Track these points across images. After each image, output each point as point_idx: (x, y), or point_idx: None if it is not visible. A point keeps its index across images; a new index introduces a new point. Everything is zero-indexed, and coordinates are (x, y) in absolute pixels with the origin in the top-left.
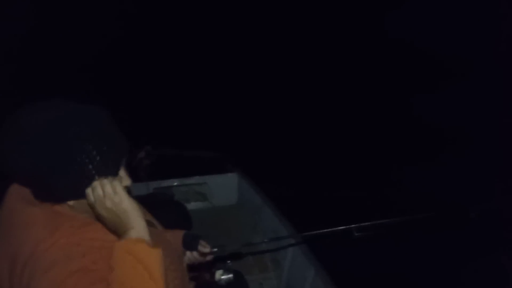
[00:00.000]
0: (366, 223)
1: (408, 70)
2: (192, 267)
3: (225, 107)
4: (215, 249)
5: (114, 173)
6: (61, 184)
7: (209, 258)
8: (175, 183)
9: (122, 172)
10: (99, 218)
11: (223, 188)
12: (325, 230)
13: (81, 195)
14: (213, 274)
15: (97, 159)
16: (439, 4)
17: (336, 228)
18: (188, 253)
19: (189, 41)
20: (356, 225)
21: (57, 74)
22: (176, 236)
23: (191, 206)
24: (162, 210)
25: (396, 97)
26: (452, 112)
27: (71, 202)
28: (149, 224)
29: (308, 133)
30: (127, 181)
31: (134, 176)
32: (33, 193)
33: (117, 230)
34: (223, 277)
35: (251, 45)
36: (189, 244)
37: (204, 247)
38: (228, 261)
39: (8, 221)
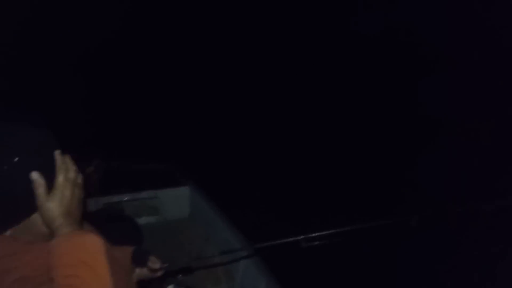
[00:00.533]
0: (315, 234)
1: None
2: (143, 284)
3: (177, 120)
4: (166, 265)
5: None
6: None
7: (159, 273)
8: (126, 198)
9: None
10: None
11: (175, 201)
12: (275, 242)
13: (13, 224)
14: None
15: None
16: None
17: (285, 240)
18: (138, 269)
19: (136, 50)
20: (304, 236)
21: None
22: (125, 252)
23: (143, 220)
24: (112, 226)
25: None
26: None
27: (9, 233)
28: None
29: (259, 146)
30: None
31: (83, 191)
32: None
33: (67, 218)
34: None
35: (195, 50)
36: (139, 260)
37: (154, 263)
38: (179, 276)
39: None
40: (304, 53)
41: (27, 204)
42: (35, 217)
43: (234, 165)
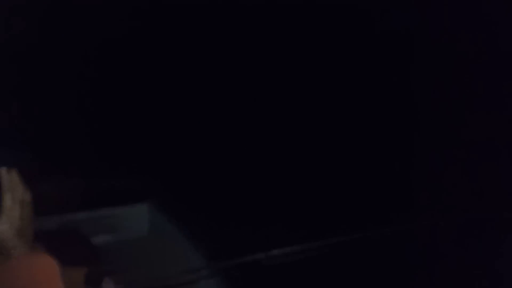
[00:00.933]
0: (276, 251)
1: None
2: None
3: (136, 130)
4: (121, 286)
5: None
6: None
7: None
8: (81, 216)
9: None
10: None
11: (134, 219)
12: (239, 259)
13: None
14: None
15: None
16: None
17: (249, 257)
18: None
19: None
20: (267, 253)
21: None
22: (78, 274)
23: (99, 239)
24: (66, 246)
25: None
26: None
27: None
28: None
29: (220, 158)
30: None
31: (36, 209)
32: None
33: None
34: None
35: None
36: (92, 282)
37: (108, 285)
38: None
39: None
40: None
41: None
42: None
43: (195, 180)
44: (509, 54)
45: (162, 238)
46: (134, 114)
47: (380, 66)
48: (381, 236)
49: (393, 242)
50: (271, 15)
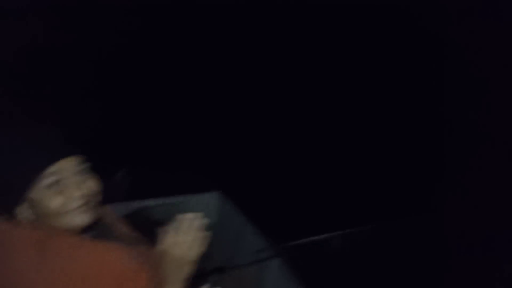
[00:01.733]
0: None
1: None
2: None
3: (206, 126)
4: (200, 264)
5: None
6: None
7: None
8: (155, 203)
9: (71, 181)
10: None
11: (203, 207)
12: (308, 239)
13: (16, 203)
14: None
15: (27, 164)
16: None
17: (319, 237)
18: None
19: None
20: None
21: None
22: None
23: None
24: (142, 230)
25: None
26: None
27: (22, 216)
28: (137, 242)
29: (285, 150)
30: (74, 192)
31: (113, 196)
32: None
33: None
34: None
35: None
36: None
37: None
38: (211, 279)
39: None
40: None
41: (20, 181)
42: (36, 196)
43: (261, 171)
44: None
45: (232, 227)
46: (206, 114)
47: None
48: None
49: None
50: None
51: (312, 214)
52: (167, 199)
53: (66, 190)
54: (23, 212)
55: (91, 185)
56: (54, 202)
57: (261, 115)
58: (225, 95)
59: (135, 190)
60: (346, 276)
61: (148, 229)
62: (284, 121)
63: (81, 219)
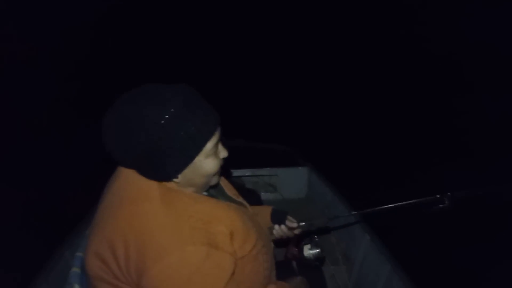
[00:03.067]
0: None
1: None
2: (280, 243)
3: (296, 103)
4: (303, 223)
5: (205, 142)
6: (166, 163)
7: (297, 232)
8: (247, 173)
9: (220, 145)
10: None
11: (293, 180)
12: (401, 203)
13: (183, 167)
14: (301, 249)
15: (194, 132)
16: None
17: (411, 201)
18: (276, 226)
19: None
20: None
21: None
22: (264, 211)
23: (261, 197)
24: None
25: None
26: None
27: (176, 179)
28: (242, 205)
29: (377, 128)
30: (224, 153)
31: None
32: (140, 174)
33: None
34: (311, 251)
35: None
36: (277, 218)
37: (292, 222)
38: (316, 237)
39: (123, 194)
40: None
41: (189, 147)
42: (200, 159)
43: (352, 149)
44: None
45: (321, 201)
46: (298, 93)
47: None
48: None
49: None
50: None
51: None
52: (258, 170)
53: (218, 154)
54: (184, 174)
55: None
56: (213, 165)
57: (346, 97)
58: (319, 82)
59: (229, 160)
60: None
61: (243, 196)
62: (366, 103)
63: (218, 178)
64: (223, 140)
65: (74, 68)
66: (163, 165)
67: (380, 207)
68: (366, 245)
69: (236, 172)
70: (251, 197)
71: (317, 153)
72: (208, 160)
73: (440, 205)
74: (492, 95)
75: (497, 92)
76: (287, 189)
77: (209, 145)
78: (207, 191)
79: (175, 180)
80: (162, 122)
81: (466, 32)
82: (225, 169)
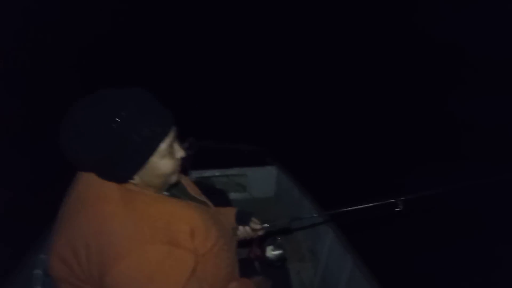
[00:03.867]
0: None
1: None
2: (243, 243)
3: (266, 103)
4: (266, 225)
5: (159, 143)
6: (122, 165)
7: (260, 233)
8: (216, 174)
9: (176, 145)
10: None
11: (262, 180)
12: (365, 205)
13: (138, 169)
14: (263, 250)
15: (146, 134)
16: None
17: (375, 203)
18: (240, 227)
19: (226, 34)
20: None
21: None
22: (229, 212)
23: (231, 196)
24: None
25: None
26: None
27: (134, 180)
28: (204, 204)
29: (346, 126)
30: (181, 153)
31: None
32: (99, 176)
33: None
34: (273, 252)
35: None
36: (242, 219)
37: (255, 223)
38: (278, 238)
39: (84, 196)
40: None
41: (143, 148)
42: (155, 160)
43: (319, 147)
44: None
45: (289, 200)
46: (266, 93)
47: None
48: None
49: None
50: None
51: (363, 184)
52: (227, 170)
53: (174, 154)
54: (140, 175)
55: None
56: (169, 165)
57: (321, 92)
58: (285, 80)
59: (199, 160)
60: (403, 247)
61: (212, 196)
62: (342, 95)
63: (176, 178)
64: (187, 140)
65: (38, 66)
66: (119, 167)
67: (341, 209)
68: (331, 241)
69: (206, 173)
70: (220, 197)
71: (286, 152)
72: (163, 161)
73: (395, 209)
74: (459, 99)
75: (465, 95)
76: (256, 188)
77: (163, 146)
78: (168, 190)
79: (132, 181)
80: (114, 125)
81: (438, 35)
82: (193, 169)
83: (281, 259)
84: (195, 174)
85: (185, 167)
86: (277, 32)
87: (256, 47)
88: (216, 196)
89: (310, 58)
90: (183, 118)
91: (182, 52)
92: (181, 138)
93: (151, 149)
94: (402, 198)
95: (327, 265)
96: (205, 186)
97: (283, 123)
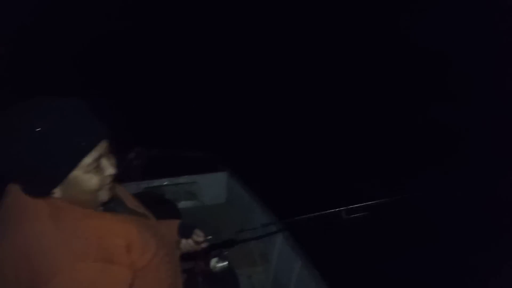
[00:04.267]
0: (354, 205)
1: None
2: (187, 256)
3: (215, 108)
4: (210, 237)
5: (82, 157)
6: (41, 177)
7: (203, 246)
8: (165, 183)
9: (106, 161)
10: None
11: (213, 187)
12: (314, 214)
13: (58, 182)
14: (208, 262)
15: (69, 146)
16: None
17: (324, 212)
18: (183, 241)
19: (179, 41)
20: (344, 208)
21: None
22: (171, 225)
23: (181, 205)
24: (152, 209)
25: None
26: None
27: (56, 194)
28: (144, 216)
29: (294, 132)
30: (111, 170)
31: (125, 176)
32: (21, 189)
33: None
34: (218, 265)
35: (241, 44)
36: (184, 232)
37: (199, 236)
38: (223, 250)
39: (11, 214)
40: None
41: (64, 161)
42: (77, 174)
43: (269, 152)
44: None
45: (240, 205)
46: (214, 97)
47: None
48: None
49: None
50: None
51: (316, 191)
52: (176, 178)
53: (102, 170)
54: (63, 189)
55: (115, 165)
56: (94, 181)
57: (269, 97)
58: (234, 85)
59: (146, 170)
60: (349, 250)
61: (159, 207)
62: (291, 102)
63: (108, 194)
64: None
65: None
66: (38, 180)
67: (290, 219)
68: (281, 244)
69: (154, 182)
70: (166, 208)
71: (235, 157)
72: (88, 176)
73: (339, 218)
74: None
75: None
76: (207, 195)
77: (87, 160)
78: (104, 205)
79: (54, 196)
80: (34, 135)
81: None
82: (140, 179)
83: (225, 271)
84: (144, 184)
85: (125, 179)
86: (227, 33)
87: (201, 50)
88: (163, 207)
89: (249, 63)
90: (129, 127)
91: (126, 59)
92: (128, 147)
93: (72, 162)
94: (346, 207)
95: (278, 267)
96: (153, 196)
97: (233, 128)
